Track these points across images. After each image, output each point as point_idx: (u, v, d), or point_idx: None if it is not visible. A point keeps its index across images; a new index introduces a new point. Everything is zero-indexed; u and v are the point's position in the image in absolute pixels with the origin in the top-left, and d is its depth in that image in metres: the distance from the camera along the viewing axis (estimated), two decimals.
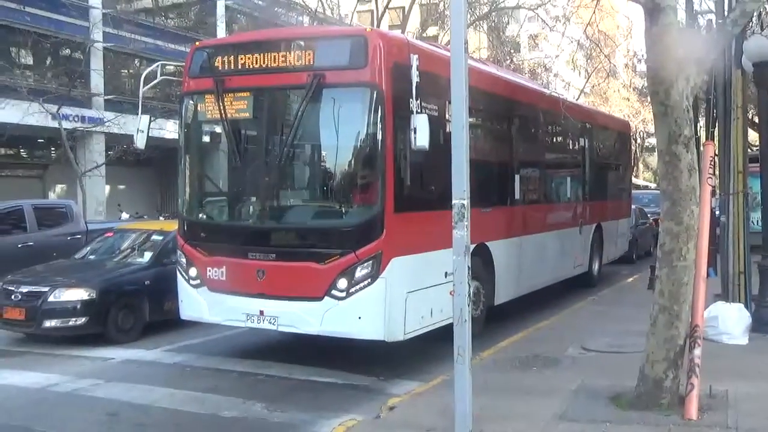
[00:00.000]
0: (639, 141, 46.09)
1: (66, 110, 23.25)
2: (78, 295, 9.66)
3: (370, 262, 7.51)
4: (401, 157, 7.72)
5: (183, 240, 8.77)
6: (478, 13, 25.86)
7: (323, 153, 8.36)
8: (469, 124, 6.18)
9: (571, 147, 14.59)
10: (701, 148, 7.16)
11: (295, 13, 26.77)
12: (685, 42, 6.45)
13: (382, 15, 26.64)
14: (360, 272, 7.52)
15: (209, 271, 8.36)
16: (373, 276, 7.51)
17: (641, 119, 40.37)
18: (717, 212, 11.25)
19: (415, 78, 7.30)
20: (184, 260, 8.67)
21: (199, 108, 8.77)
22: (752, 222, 10.91)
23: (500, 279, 10.11)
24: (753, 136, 16.98)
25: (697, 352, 6.21)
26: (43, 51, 25.17)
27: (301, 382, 7.93)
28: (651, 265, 9.40)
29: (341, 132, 7.90)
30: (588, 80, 35.66)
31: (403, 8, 28.09)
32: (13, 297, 9.83)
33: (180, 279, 8.73)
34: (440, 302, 7.78)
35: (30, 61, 25.52)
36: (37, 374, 8.31)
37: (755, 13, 9.00)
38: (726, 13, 9.48)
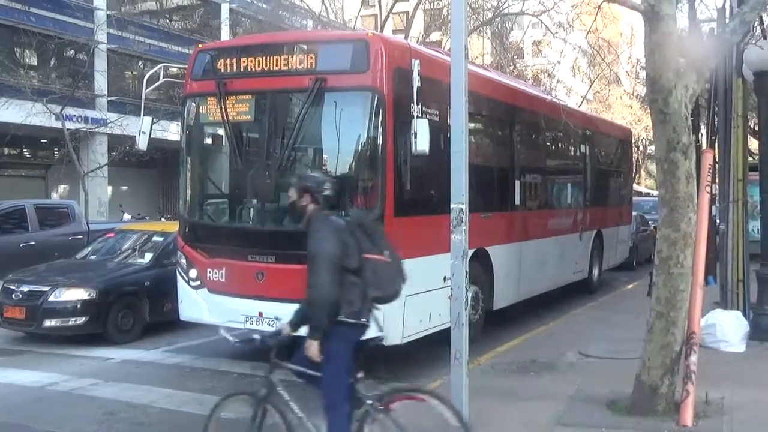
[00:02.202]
0: (641, 148, 45.98)
1: (69, 111, 23.34)
2: (78, 295, 9.70)
3: None
4: (402, 161, 7.76)
5: (183, 241, 8.81)
6: (482, 19, 25.91)
7: (324, 156, 8.40)
8: (470, 130, 6.22)
9: (571, 153, 14.62)
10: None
11: (299, 17, 26.85)
12: (684, 50, 6.48)
13: (386, 20, 26.74)
14: None
15: (209, 272, 8.39)
16: None
17: (643, 126, 40.27)
18: (717, 220, 11.27)
19: (416, 83, 7.31)
20: (184, 261, 8.70)
21: (201, 110, 8.81)
22: (752, 230, 10.94)
23: (499, 284, 10.12)
24: (753, 144, 17.00)
25: (693, 358, 6.22)
26: (47, 52, 25.25)
27: (299, 384, 7.92)
28: (650, 272, 9.41)
29: (342, 136, 7.94)
30: (591, 87, 35.69)
31: (407, 13, 28.21)
32: (13, 296, 9.89)
33: (180, 280, 8.76)
34: (439, 306, 7.78)
35: (34, 61, 25.57)
36: (36, 373, 8.35)
37: (757, 22, 8.99)
38: (727, 21, 9.53)
